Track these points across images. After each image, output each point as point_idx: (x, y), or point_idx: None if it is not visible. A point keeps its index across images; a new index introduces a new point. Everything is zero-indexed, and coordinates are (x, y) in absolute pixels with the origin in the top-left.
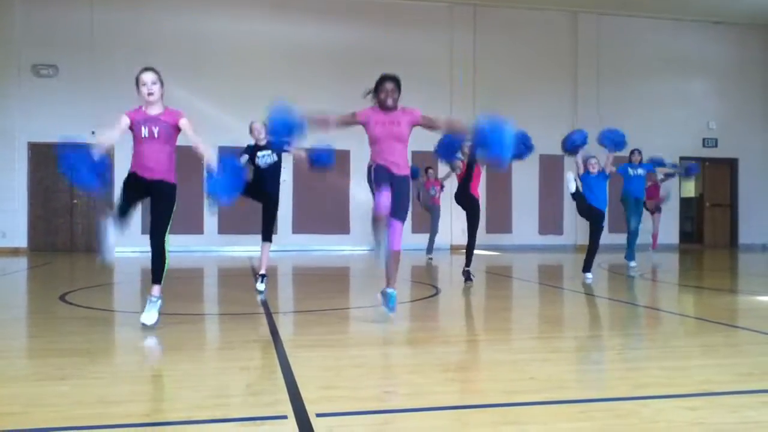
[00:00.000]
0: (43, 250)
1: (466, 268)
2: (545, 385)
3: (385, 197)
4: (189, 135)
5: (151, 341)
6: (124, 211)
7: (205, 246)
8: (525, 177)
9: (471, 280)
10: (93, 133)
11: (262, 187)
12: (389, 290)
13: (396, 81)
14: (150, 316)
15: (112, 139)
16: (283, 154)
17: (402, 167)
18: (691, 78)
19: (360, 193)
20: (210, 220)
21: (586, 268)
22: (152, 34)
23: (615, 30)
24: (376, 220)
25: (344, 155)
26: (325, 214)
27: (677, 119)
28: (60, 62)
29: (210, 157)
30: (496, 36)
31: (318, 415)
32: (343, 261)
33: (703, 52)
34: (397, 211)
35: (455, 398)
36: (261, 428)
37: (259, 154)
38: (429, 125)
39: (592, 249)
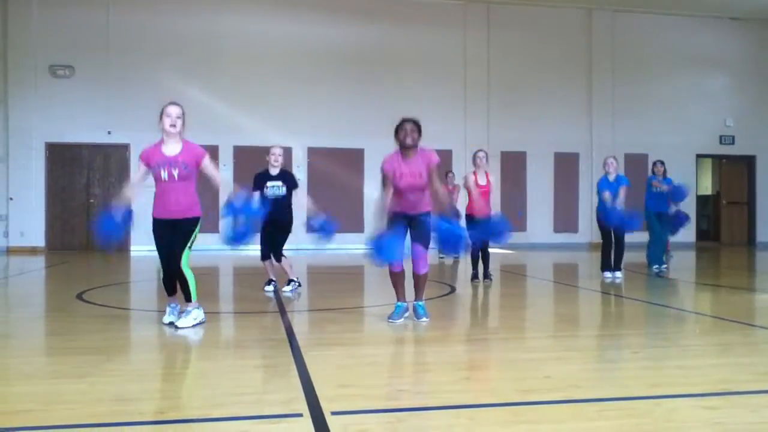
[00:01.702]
0: (60, 249)
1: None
2: (560, 384)
3: (399, 252)
4: (211, 174)
5: (167, 339)
6: (167, 270)
7: (221, 245)
8: (540, 175)
9: (490, 278)
10: (109, 133)
11: (272, 216)
12: (417, 302)
13: (415, 123)
14: (185, 321)
15: (139, 186)
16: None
17: (422, 206)
18: (708, 75)
19: (374, 192)
20: (226, 219)
21: (616, 266)
22: (167, 35)
23: (630, 27)
24: (391, 275)
25: (358, 154)
26: (339, 213)
27: (694, 117)
28: (76, 63)
29: (232, 195)
30: (510, 33)
31: (333, 413)
32: (357, 260)
33: (720, 48)
34: (420, 242)
35: (469, 397)
36: (277, 426)
37: (269, 184)
38: (430, 179)
39: (620, 249)
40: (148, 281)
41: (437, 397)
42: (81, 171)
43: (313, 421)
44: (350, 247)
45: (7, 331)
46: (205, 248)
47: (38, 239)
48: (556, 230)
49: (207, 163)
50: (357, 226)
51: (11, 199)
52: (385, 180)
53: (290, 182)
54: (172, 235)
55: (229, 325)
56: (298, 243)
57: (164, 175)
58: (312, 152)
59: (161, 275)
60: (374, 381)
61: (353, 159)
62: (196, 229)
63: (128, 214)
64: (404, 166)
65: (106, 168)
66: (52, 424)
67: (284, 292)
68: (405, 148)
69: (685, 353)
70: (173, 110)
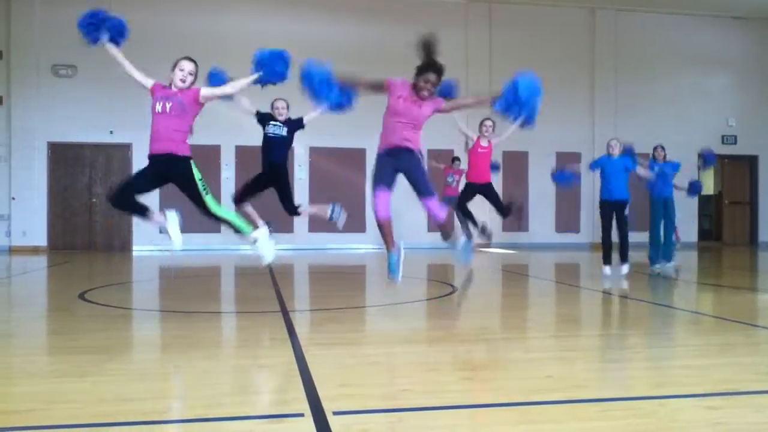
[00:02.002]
0: (63, 248)
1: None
2: (562, 384)
3: (384, 199)
4: (219, 92)
5: (169, 339)
6: (128, 192)
7: (222, 245)
8: (542, 174)
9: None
10: (111, 132)
11: (268, 157)
12: (464, 241)
13: (439, 73)
14: (263, 249)
15: (128, 67)
16: (295, 134)
17: (412, 143)
18: (710, 74)
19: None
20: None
21: (623, 258)
22: (169, 35)
23: (633, 26)
24: (380, 225)
25: (360, 153)
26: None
27: (696, 116)
28: (79, 63)
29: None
30: (511, 33)
31: (335, 413)
32: (359, 259)
33: (723, 47)
34: (423, 191)
35: (471, 397)
36: (278, 426)
37: (271, 122)
38: (455, 107)
39: (623, 237)
40: (149, 281)
41: (439, 397)
42: (83, 171)
43: (314, 421)
44: (352, 246)
45: (9, 330)
46: (205, 248)
47: (40, 239)
48: (558, 230)
49: (205, 92)
50: (359, 227)
51: (13, 198)
52: (375, 80)
53: (295, 125)
54: (179, 187)
55: (230, 325)
56: (299, 243)
57: (158, 107)
58: (314, 152)
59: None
60: (376, 381)
61: (355, 159)
62: (195, 171)
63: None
64: (408, 91)
65: (108, 168)
66: (54, 424)
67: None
68: (417, 97)
69: (687, 353)
70: (186, 65)
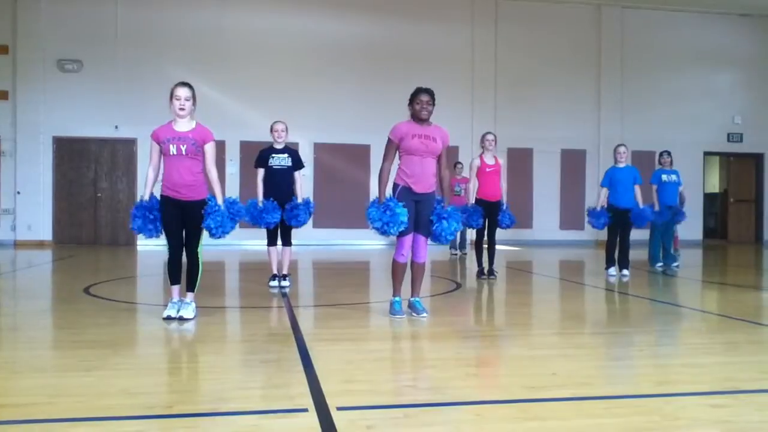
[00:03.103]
0: (68, 242)
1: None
2: (567, 380)
3: (408, 244)
4: (207, 161)
5: (173, 333)
6: (175, 250)
7: (227, 240)
8: (546, 171)
9: (494, 275)
10: (116, 127)
11: (277, 192)
12: (413, 299)
13: (431, 94)
14: (187, 311)
15: (156, 169)
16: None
17: (431, 184)
18: (717, 71)
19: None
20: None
21: (623, 263)
22: (175, 30)
23: (639, 23)
24: (397, 268)
25: (364, 150)
26: (345, 209)
27: (702, 113)
28: (84, 57)
29: (218, 195)
30: (517, 29)
31: (339, 409)
32: (363, 255)
33: (729, 45)
34: (422, 228)
35: (476, 393)
36: (283, 421)
37: (274, 155)
38: (439, 162)
39: (625, 245)
40: (154, 276)
41: (444, 393)
42: (88, 165)
43: (318, 416)
44: (356, 242)
45: (14, 324)
46: (209, 243)
47: (45, 233)
48: (562, 227)
49: (209, 148)
50: (363, 222)
51: (19, 192)
52: (389, 148)
53: (296, 158)
54: (182, 218)
55: (234, 320)
56: (303, 238)
57: (173, 149)
58: (318, 148)
59: (167, 260)
60: (380, 376)
61: (360, 155)
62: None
63: (154, 199)
64: (418, 129)
65: (113, 162)
66: (60, 417)
67: (283, 288)
68: (419, 120)
69: (691, 351)
70: (182, 92)
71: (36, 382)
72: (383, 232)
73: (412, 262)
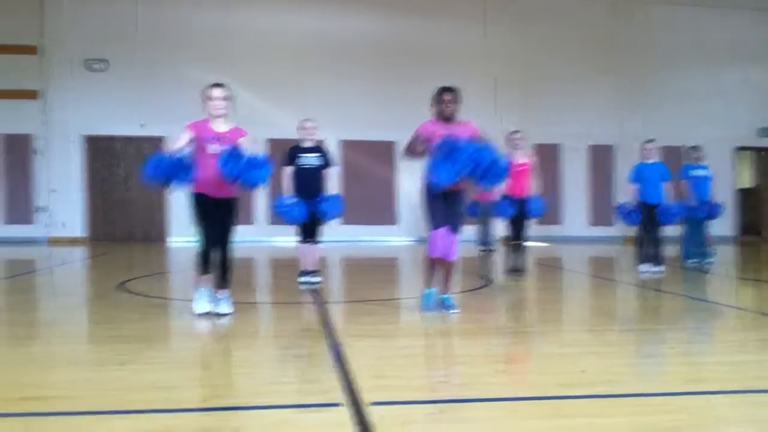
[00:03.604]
0: (102, 239)
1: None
2: (597, 378)
3: (441, 239)
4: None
5: (206, 329)
6: (211, 243)
7: (256, 236)
8: (575, 167)
9: (524, 272)
10: (142, 125)
11: (307, 191)
12: (444, 296)
13: (453, 91)
14: (224, 307)
15: (181, 151)
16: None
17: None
18: (746, 65)
19: (407, 185)
20: (260, 211)
21: (656, 260)
22: (198, 29)
23: (666, 17)
24: (430, 261)
25: (389, 147)
26: (372, 205)
27: (730, 108)
28: (111, 56)
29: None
30: (532, 26)
31: (372, 404)
32: (391, 252)
33: (758, 38)
34: (455, 227)
35: (507, 390)
36: (316, 415)
37: (302, 155)
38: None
39: (656, 241)
40: (186, 271)
41: (476, 389)
42: (118, 163)
43: (351, 412)
44: (383, 239)
45: (51, 319)
46: (240, 240)
47: (79, 230)
48: (592, 223)
49: (244, 140)
50: (389, 219)
51: (53, 190)
52: (412, 139)
53: (327, 157)
54: (217, 213)
55: (266, 316)
56: (331, 235)
57: (214, 148)
58: (344, 145)
59: (200, 250)
60: (411, 372)
61: (385, 151)
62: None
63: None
64: (443, 129)
65: (139, 161)
66: (96, 410)
67: (313, 285)
68: (444, 119)
69: (724, 349)
70: (216, 92)
71: (72, 375)
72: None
73: (442, 260)
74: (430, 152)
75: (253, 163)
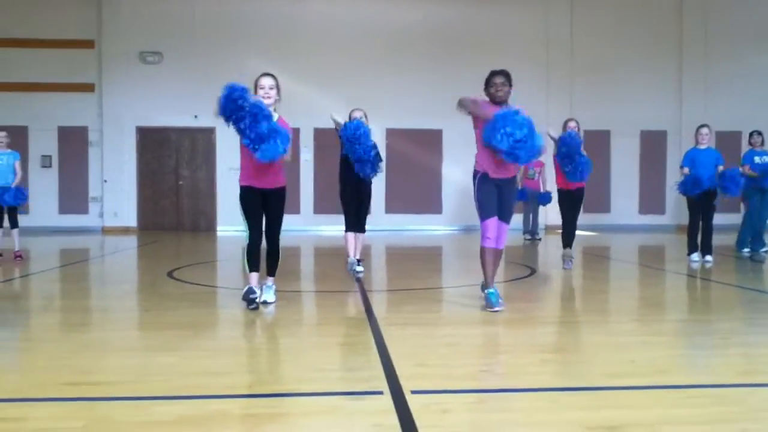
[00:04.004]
0: (151, 229)
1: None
2: (646, 369)
3: (492, 228)
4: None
5: (252, 316)
6: (259, 236)
7: (302, 225)
8: (625, 154)
9: (570, 264)
10: (195, 117)
11: (355, 174)
12: (490, 290)
13: (505, 75)
14: (270, 296)
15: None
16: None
17: (512, 169)
18: None
19: (453, 173)
20: (306, 200)
21: (706, 249)
22: (250, 20)
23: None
24: (484, 251)
25: (436, 134)
26: (417, 194)
27: None
28: (164, 49)
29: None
30: (593, 11)
31: (413, 392)
32: (435, 241)
33: None
34: (505, 215)
35: (552, 380)
36: (359, 403)
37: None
38: None
39: (708, 230)
40: (233, 260)
41: (519, 379)
42: (170, 154)
43: (393, 399)
44: (428, 227)
45: (104, 306)
46: (285, 228)
47: (130, 219)
48: (642, 212)
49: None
50: (436, 208)
51: (105, 181)
52: (473, 102)
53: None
54: (266, 205)
55: (310, 304)
56: (376, 224)
57: None
58: (390, 133)
59: (247, 246)
60: (453, 361)
61: (431, 140)
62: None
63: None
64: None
65: (193, 151)
66: (146, 395)
67: (358, 273)
68: (497, 103)
69: None
70: (266, 82)
71: (124, 361)
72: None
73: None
74: (479, 127)
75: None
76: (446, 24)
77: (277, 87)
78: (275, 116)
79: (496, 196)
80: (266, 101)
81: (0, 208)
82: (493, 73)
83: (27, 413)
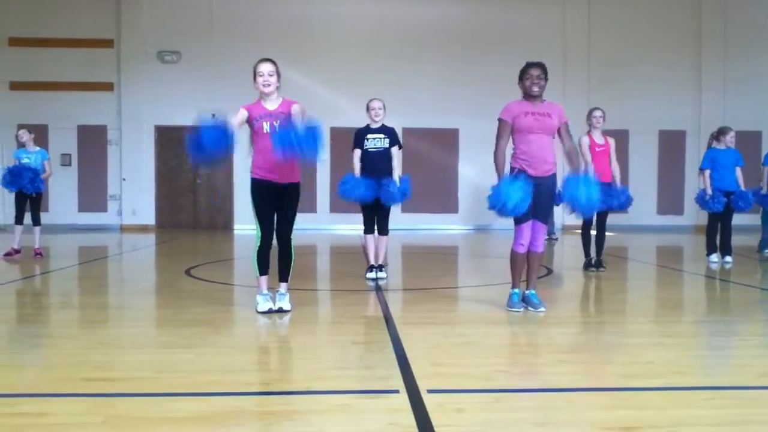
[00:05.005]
0: (169, 227)
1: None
2: (663, 370)
3: (527, 234)
4: (302, 116)
5: (268, 315)
6: (270, 236)
7: (318, 224)
8: (643, 154)
9: (603, 267)
10: (213, 116)
11: (374, 175)
12: (529, 291)
13: (542, 67)
14: (285, 303)
15: (233, 126)
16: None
17: (551, 164)
18: None
19: (469, 172)
20: (322, 200)
21: (725, 250)
22: (267, 20)
23: None
24: (516, 260)
25: (453, 134)
26: (433, 193)
27: None
28: (182, 48)
29: (300, 118)
30: (611, 8)
31: (429, 391)
32: (451, 240)
33: None
34: (542, 216)
35: (568, 380)
36: (375, 401)
37: (369, 137)
38: (568, 137)
39: (727, 231)
40: (250, 258)
41: (535, 380)
42: (187, 153)
43: (409, 398)
44: (444, 227)
45: (122, 303)
46: (301, 227)
47: (149, 218)
48: (660, 212)
49: (296, 109)
50: (451, 207)
51: (124, 179)
52: (502, 129)
53: (393, 137)
54: (278, 201)
55: (326, 303)
56: (391, 223)
57: (266, 127)
58: (407, 132)
59: (258, 247)
60: (469, 360)
61: (448, 139)
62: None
63: (230, 133)
64: (531, 107)
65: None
66: (163, 392)
67: (379, 280)
68: (531, 97)
69: None
70: (265, 68)
71: (141, 358)
72: (501, 214)
73: (529, 251)
74: (517, 131)
75: (303, 137)
76: (462, 23)
77: (277, 73)
78: (278, 101)
79: (532, 197)
80: (266, 89)
81: (21, 205)
82: (530, 65)
83: (47, 409)
